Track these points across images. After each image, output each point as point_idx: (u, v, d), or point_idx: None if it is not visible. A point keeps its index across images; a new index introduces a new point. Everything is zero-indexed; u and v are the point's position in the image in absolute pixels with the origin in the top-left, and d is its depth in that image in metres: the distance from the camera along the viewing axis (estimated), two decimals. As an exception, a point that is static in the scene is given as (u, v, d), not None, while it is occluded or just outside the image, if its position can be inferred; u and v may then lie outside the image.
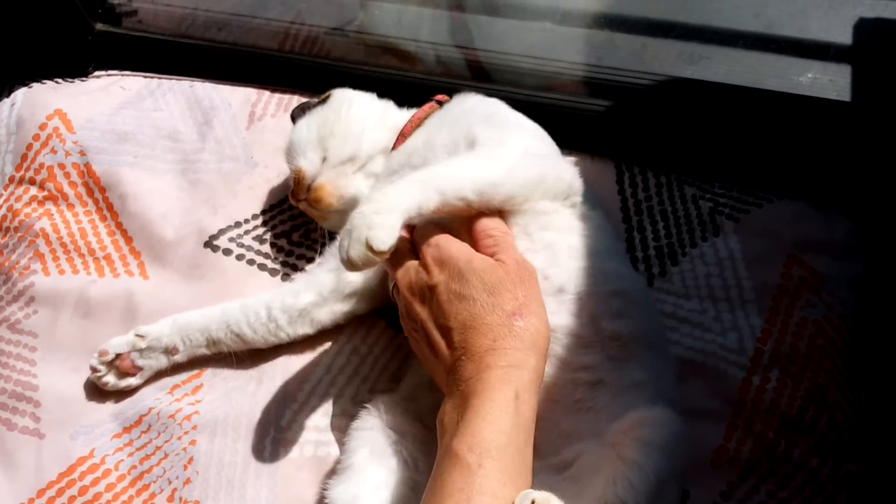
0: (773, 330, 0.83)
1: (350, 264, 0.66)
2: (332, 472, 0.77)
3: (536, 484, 0.59)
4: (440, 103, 0.92)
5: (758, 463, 0.77)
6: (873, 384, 0.83)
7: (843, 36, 1.16)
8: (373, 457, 0.73)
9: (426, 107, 0.92)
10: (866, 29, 1.16)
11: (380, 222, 0.66)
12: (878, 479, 0.80)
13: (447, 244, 0.69)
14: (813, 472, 0.77)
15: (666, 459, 0.63)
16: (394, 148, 0.90)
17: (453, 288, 0.66)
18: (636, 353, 0.71)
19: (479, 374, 0.62)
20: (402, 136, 0.90)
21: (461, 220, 0.74)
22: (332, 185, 0.88)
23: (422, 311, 0.69)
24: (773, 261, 0.88)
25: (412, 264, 0.71)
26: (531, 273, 0.68)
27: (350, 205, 0.88)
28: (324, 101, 0.93)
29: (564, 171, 0.80)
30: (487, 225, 0.72)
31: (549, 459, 0.68)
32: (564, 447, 0.69)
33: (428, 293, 0.68)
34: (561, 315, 0.71)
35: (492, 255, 0.69)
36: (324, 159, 0.89)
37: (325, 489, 0.74)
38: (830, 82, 1.10)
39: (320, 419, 0.83)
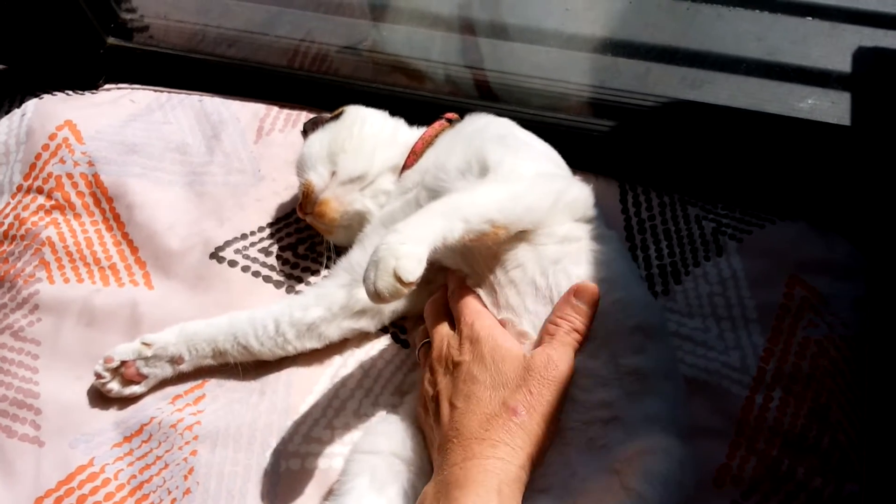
0: (776, 349, 0.84)
1: (377, 296, 0.66)
2: (331, 492, 0.77)
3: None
4: (450, 121, 0.93)
5: (761, 482, 0.77)
6: (875, 404, 0.84)
7: (843, 64, 1.18)
8: (372, 486, 0.73)
9: (436, 125, 0.93)
10: (865, 57, 1.19)
11: (406, 252, 0.66)
12: (880, 499, 0.80)
13: (482, 323, 0.71)
14: (816, 492, 0.77)
15: (669, 490, 0.63)
16: (405, 166, 0.91)
17: (472, 370, 0.69)
18: (653, 385, 0.71)
19: (464, 461, 0.64)
20: (414, 154, 0.91)
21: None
22: (338, 200, 0.89)
23: (442, 382, 0.71)
24: (776, 281, 0.89)
25: (449, 334, 0.74)
26: (558, 375, 0.67)
27: (354, 220, 0.90)
28: (336, 116, 0.94)
29: (579, 190, 0.81)
30: (563, 311, 0.71)
31: (556, 492, 0.68)
32: (574, 483, 0.68)
33: (452, 367, 0.71)
34: (578, 357, 0.70)
35: (541, 340, 0.70)
36: (333, 174, 0.90)
37: None
38: (830, 108, 1.13)
39: (323, 432, 0.83)
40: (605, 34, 1.23)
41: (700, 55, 1.22)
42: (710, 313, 0.87)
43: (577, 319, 0.70)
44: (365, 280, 0.67)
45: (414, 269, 0.65)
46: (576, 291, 0.71)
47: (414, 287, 0.66)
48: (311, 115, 1.04)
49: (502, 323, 0.74)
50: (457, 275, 0.79)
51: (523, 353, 0.69)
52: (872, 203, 0.96)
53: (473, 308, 0.75)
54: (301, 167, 0.92)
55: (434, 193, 0.81)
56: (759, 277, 0.89)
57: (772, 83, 1.19)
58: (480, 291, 0.77)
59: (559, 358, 0.68)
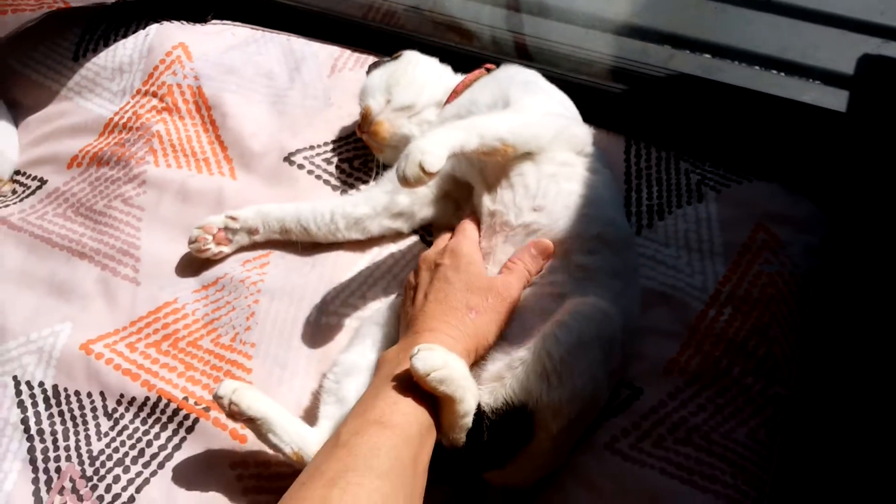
0: (733, 276, 1.00)
1: (405, 181, 0.82)
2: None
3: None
4: (488, 70, 1.13)
5: (702, 374, 0.93)
6: (812, 333, 1.00)
7: (847, 67, 1.33)
8: (374, 346, 0.93)
9: (476, 72, 1.12)
10: (868, 63, 1.33)
11: (431, 149, 0.82)
12: (803, 404, 0.96)
13: (466, 245, 0.91)
14: (747, 387, 0.92)
15: (590, 326, 0.81)
16: (447, 102, 1.10)
17: (448, 274, 0.88)
18: (600, 280, 0.88)
19: (423, 331, 0.82)
20: (455, 93, 1.10)
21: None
22: (389, 122, 1.08)
23: (423, 277, 0.91)
24: (743, 225, 1.04)
25: (438, 246, 0.94)
26: (510, 295, 0.86)
27: (402, 142, 1.07)
28: (396, 58, 1.15)
29: (579, 130, 0.99)
30: (522, 255, 0.89)
31: (510, 338, 0.86)
32: (524, 331, 0.86)
33: (434, 268, 0.90)
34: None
35: (501, 271, 0.90)
36: (388, 102, 1.09)
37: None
38: (829, 101, 1.27)
39: (357, 300, 1.03)
40: (637, 21, 1.40)
41: (719, 46, 1.38)
42: (683, 245, 1.04)
43: (531, 264, 0.89)
44: (397, 169, 0.84)
45: (435, 163, 0.82)
46: (535, 245, 0.90)
47: (435, 177, 0.84)
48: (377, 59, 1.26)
49: (484, 252, 0.93)
50: (473, 216, 0.98)
51: (489, 275, 0.89)
52: (844, 175, 1.12)
53: (467, 232, 0.94)
54: (363, 94, 1.12)
55: None
56: (729, 222, 1.05)
57: (779, 76, 1.35)
58: (487, 197, 0.96)
59: (514, 285, 0.87)
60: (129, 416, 0.96)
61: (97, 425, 0.96)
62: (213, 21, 1.35)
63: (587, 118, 1.14)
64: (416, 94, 1.09)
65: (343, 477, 0.66)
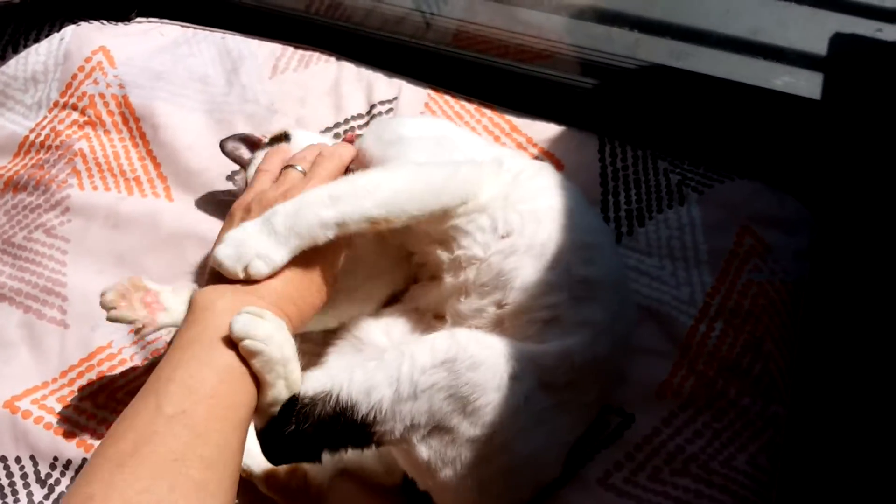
0: (722, 287, 0.94)
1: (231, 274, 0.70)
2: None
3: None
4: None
5: (697, 397, 0.87)
6: (806, 342, 0.95)
7: (820, 47, 1.27)
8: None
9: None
10: (841, 42, 1.28)
11: (266, 252, 0.70)
12: (802, 421, 0.91)
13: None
14: (745, 409, 0.87)
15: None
16: None
17: None
18: (600, 294, 0.77)
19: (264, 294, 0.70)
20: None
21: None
22: None
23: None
24: (728, 230, 0.98)
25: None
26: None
27: None
28: (277, 139, 0.95)
29: (470, 170, 0.80)
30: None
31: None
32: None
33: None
34: (537, 268, 0.77)
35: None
36: None
37: None
38: (803, 85, 1.22)
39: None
40: (600, 4, 1.32)
41: (687, 29, 1.31)
42: (666, 254, 0.97)
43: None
44: (214, 257, 0.70)
45: (264, 272, 0.70)
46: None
47: None
48: (323, 58, 1.14)
49: (453, 289, 0.81)
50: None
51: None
52: (827, 169, 1.07)
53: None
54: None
55: None
56: (713, 226, 0.98)
57: (751, 60, 1.29)
58: (441, 252, 0.82)
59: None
60: (65, 481, 0.86)
61: (29, 494, 0.86)
62: (138, 20, 1.22)
63: (556, 117, 1.05)
64: None
65: (171, 467, 0.56)
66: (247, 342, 0.63)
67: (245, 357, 0.64)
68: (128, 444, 0.56)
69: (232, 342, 0.64)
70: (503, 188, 0.81)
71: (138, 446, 0.56)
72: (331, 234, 0.71)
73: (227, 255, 0.69)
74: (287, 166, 0.79)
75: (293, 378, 0.68)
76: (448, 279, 0.81)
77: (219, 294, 0.67)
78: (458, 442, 0.70)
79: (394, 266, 0.87)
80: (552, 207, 0.81)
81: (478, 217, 0.79)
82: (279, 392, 0.67)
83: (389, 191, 0.73)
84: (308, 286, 0.73)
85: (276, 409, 0.68)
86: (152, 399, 0.60)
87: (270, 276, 0.70)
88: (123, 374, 0.92)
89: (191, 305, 0.68)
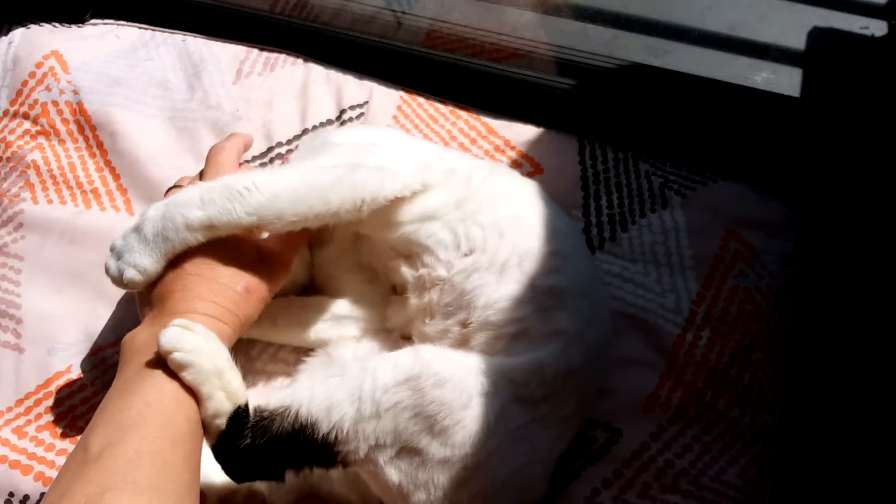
0: (708, 294, 0.91)
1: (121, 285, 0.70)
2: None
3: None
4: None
5: (685, 409, 0.85)
6: (794, 349, 0.92)
7: (798, 42, 1.26)
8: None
9: None
10: (819, 36, 1.26)
11: (138, 262, 0.69)
12: (792, 431, 0.88)
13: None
14: (734, 421, 0.84)
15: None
16: None
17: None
18: (567, 302, 0.74)
19: (183, 311, 0.68)
20: None
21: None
22: None
23: None
24: (713, 234, 0.95)
25: None
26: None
27: None
28: None
29: (375, 175, 0.75)
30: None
31: None
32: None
33: None
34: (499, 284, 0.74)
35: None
36: None
37: None
38: (782, 81, 1.20)
39: (287, 354, 0.89)
40: (576, 0, 1.29)
41: (664, 25, 1.28)
42: (651, 260, 0.94)
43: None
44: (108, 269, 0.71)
45: (139, 281, 0.70)
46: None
47: None
48: (290, 59, 1.09)
49: (417, 311, 0.79)
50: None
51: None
52: (810, 169, 1.05)
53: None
54: None
55: None
56: (698, 230, 0.95)
57: (730, 56, 1.27)
58: (405, 269, 0.80)
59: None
60: (22, 517, 0.81)
61: (-17, 533, 0.80)
62: (92, 21, 1.15)
63: (534, 118, 1.01)
64: None
65: (97, 502, 0.54)
66: (175, 355, 0.62)
67: (175, 371, 0.63)
68: (56, 495, 0.56)
69: (159, 364, 0.63)
70: (455, 193, 0.78)
71: (65, 493, 0.55)
72: (200, 237, 0.69)
73: (109, 267, 0.70)
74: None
75: (232, 389, 0.66)
76: (413, 300, 0.78)
77: (135, 332, 0.68)
78: (428, 464, 0.67)
79: (364, 283, 0.84)
80: (516, 216, 0.78)
81: (431, 225, 0.77)
82: (220, 404, 0.65)
83: (268, 194, 0.70)
84: (227, 291, 0.70)
85: (222, 421, 0.66)
86: (80, 447, 0.59)
87: (158, 285, 0.70)
88: (84, 400, 0.86)
89: (120, 353, 0.67)
